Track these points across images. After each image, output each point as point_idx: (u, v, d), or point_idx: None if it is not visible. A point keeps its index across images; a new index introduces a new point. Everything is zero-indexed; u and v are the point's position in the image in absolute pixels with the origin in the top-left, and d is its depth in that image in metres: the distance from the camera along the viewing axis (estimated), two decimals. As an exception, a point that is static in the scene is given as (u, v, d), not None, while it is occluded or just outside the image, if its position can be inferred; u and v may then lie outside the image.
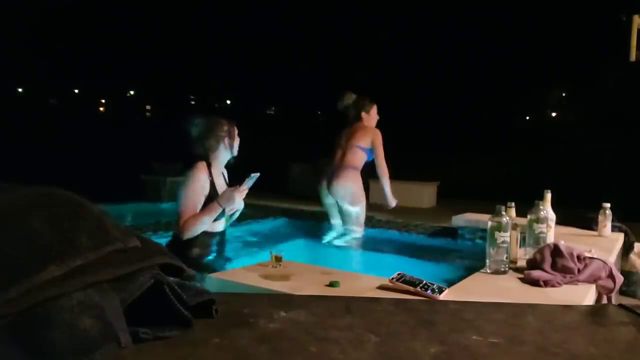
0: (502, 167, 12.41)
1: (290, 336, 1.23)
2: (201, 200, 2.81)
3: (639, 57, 5.58)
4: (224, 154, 2.96)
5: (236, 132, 3.01)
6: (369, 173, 7.94)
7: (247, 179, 2.83)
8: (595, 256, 2.34)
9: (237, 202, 2.85)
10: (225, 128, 2.95)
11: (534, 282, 2.11)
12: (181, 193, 2.78)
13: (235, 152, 3.02)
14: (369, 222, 5.89)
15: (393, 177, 7.83)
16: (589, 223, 3.64)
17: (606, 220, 3.44)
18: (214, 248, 2.98)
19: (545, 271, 2.18)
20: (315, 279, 2.15)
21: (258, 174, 2.83)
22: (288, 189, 8.01)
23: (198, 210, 2.79)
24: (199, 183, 2.80)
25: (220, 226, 2.99)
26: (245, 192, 2.86)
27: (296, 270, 2.31)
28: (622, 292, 3.43)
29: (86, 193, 1.22)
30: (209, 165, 2.88)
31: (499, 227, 2.20)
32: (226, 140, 2.93)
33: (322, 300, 1.61)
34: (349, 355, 1.14)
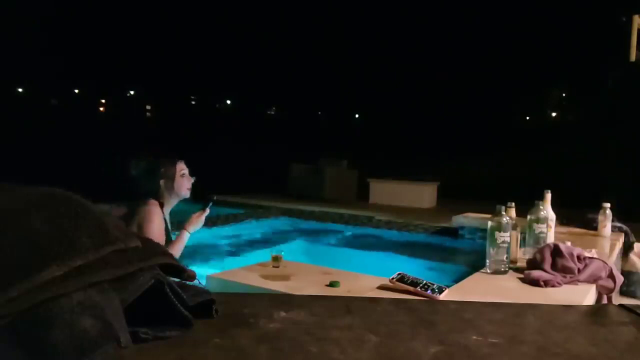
0: (502, 167, 12.42)
1: (290, 336, 1.23)
2: (164, 237, 2.69)
3: (639, 57, 5.57)
4: (167, 195, 2.77)
5: (181, 171, 2.80)
6: (368, 173, 7.97)
7: (208, 203, 2.82)
8: (595, 256, 2.34)
9: (201, 225, 2.82)
10: (177, 170, 2.77)
11: (534, 282, 2.11)
12: (145, 233, 2.55)
13: (183, 193, 2.81)
14: (369, 222, 5.90)
15: (394, 177, 7.88)
16: (589, 223, 3.64)
17: (606, 220, 3.44)
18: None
19: (545, 271, 2.18)
20: (315, 279, 2.15)
21: (215, 197, 2.86)
22: (288, 189, 8.01)
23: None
24: (159, 220, 2.67)
25: None
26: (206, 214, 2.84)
27: (296, 270, 2.32)
28: (622, 292, 3.43)
29: (86, 193, 1.22)
30: (161, 205, 2.74)
31: (499, 227, 2.20)
32: (162, 182, 2.75)
33: (322, 300, 1.61)
34: (349, 355, 1.14)
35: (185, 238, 2.72)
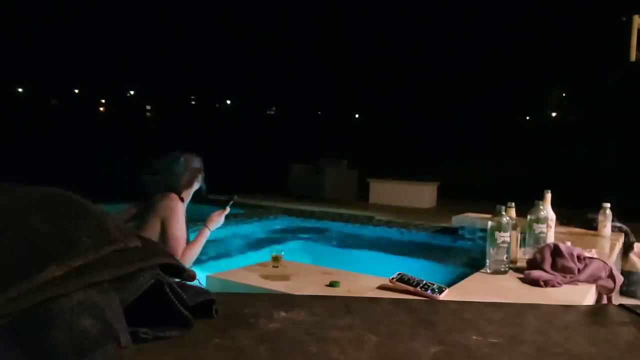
0: (502, 167, 12.43)
1: (290, 336, 1.23)
2: (186, 230, 2.78)
3: (639, 57, 5.57)
4: (189, 190, 2.89)
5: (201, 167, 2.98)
6: (368, 173, 7.97)
7: (229, 202, 2.95)
8: (595, 256, 2.34)
9: (221, 223, 2.92)
10: (199, 165, 2.92)
11: (534, 282, 2.11)
12: (170, 227, 2.66)
13: (196, 187, 2.95)
14: (369, 221, 5.90)
15: (394, 177, 7.88)
16: (589, 223, 3.64)
17: (606, 220, 3.44)
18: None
19: (545, 271, 2.18)
20: (315, 279, 2.15)
21: (235, 197, 3.01)
22: (288, 189, 8.01)
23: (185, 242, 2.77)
24: (182, 215, 2.76)
25: None
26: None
27: (296, 270, 2.31)
28: (622, 292, 3.43)
29: (86, 193, 1.22)
30: (181, 199, 2.82)
31: (499, 227, 2.20)
32: (200, 176, 2.90)
33: (322, 300, 1.61)
34: (349, 355, 1.14)
35: (206, 235, 2.80)
